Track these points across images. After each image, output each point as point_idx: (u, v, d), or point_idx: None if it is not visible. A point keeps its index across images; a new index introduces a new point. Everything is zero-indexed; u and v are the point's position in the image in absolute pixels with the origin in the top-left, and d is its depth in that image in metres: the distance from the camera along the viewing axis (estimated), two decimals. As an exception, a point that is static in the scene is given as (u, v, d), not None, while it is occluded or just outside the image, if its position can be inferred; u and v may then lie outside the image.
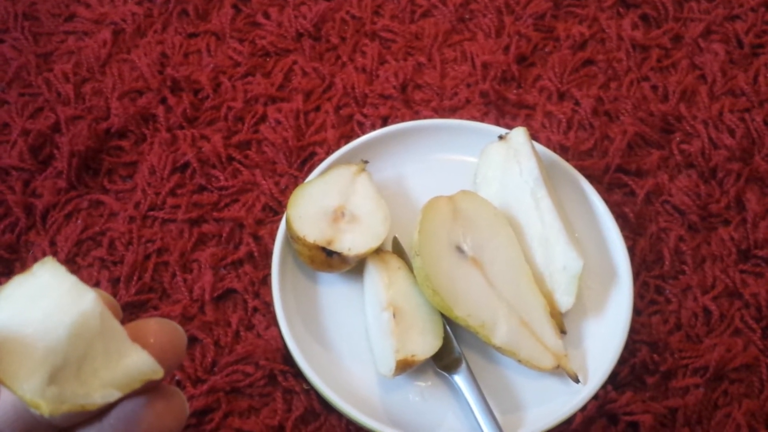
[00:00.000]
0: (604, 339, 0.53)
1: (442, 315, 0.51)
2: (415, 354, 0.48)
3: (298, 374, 0.52)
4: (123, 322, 0.26)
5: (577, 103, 0.67)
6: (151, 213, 0.60)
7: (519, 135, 0.57)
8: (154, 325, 0.27)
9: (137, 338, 0.26)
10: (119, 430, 0.26)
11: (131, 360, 0.25)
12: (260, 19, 0.71)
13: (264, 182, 0.61)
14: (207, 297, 0.55)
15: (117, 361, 0.25)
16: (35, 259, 0.52)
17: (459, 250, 0.52)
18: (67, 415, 0.26)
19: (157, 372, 0.25)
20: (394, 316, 0.50)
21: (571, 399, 0.50)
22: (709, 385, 0.53)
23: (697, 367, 0.54)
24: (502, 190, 0.57)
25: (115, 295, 0.55)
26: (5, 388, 0.24)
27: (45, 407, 0.23)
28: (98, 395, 0.24)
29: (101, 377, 0.25)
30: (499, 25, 0.71)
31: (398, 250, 0.56)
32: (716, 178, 0.63)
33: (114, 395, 0.25)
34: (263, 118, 0.65)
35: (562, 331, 0.53)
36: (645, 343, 0.54)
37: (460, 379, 0.50)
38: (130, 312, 0.55)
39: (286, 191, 0.61)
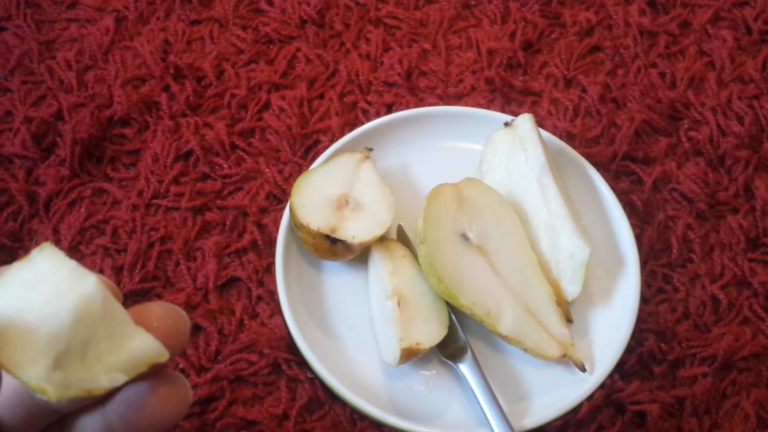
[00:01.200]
0: (610, 328, 0.52)
1: (447, 303, 0.51)
2: (419, 342, 0.48)
3: (303, 363, 0.52)
4: (126, 308, 0.26)
5: (583, 90, 0.66)
6: (155, 201, 0.59)
7: (525, 122, 0.56)
8: (157, 309, 0.27)
9: (140, 322, 0.25)
10: (122, 415, 0.26)
11: (136, 343, 0.25)
12: (263, 5, 0.71)
13: (268, 170, 0.60)
14: (211, 285, 0.55)
15: (121, 345, 0.25)
16: (38, 247, 0.51)
17: (464, 237, 0.51)
18: (73, 400, 0.26)
19: (162, 355, 0.25)
20: (398, 304, 0.49)
21: (577, 388, 0.50)
22: (717, 375, 0.53)
23: (705, 357, 0.53)
24: (508, 178, 0.56)
25: (118, 283, 0.55)
26: (8, 374, 0.23)
27: (51, 392, 0.23)
28: (104, 379, 0.24)
29: (106, 361, 0.25)
30: (504, 12, 0.71)
31: (403, 238, 0.56)
32: (724, 165, 0.62)
33: (120, 379, 0.25)
34: (267, 105, 0.65)
35: (569, 320, 0.52)
36: (652, 332, 0.54)
37: (465, 368, 0.50)
38: (133, 300, 0.55)
39: (290, 179, 0.60)
